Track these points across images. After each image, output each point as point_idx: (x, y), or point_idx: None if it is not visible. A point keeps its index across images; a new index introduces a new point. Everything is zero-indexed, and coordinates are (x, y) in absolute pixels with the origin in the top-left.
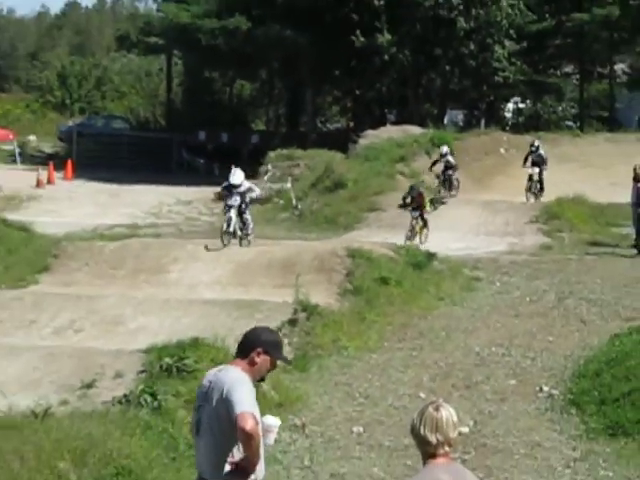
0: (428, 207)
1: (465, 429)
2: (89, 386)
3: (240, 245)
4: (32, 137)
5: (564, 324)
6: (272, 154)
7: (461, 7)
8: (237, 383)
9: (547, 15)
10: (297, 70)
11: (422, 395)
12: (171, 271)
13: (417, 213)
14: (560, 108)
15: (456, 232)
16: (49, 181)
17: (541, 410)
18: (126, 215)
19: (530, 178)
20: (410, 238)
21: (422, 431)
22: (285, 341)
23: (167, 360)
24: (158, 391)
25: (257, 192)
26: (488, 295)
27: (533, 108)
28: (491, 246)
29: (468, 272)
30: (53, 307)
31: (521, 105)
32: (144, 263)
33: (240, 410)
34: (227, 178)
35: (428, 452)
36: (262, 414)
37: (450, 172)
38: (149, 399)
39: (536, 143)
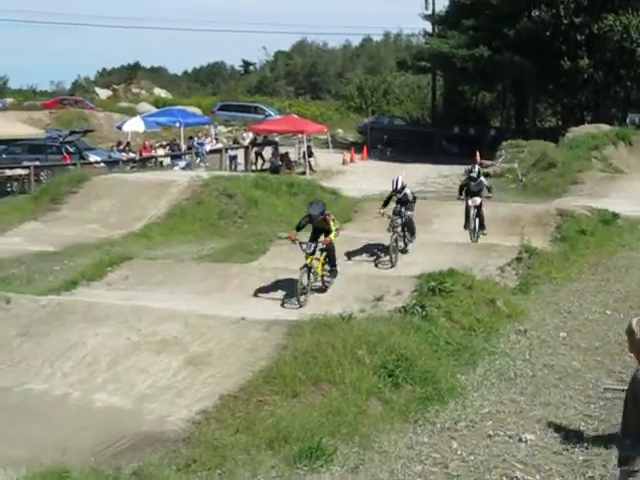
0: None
1: None
2: (378, 300)
3: None
4: (339, 130)
5: None
6: (505, 143)
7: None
8: None
9: None
10: (522, 84)
11: (608, 312)
12: (434, 223)
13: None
14: None
15: (633, 199)
16: (351, 160)
17: None
18: None
19: (467, 213)
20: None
21: None
22: (512, 272)
23: (432, 283)
24: (425, 304)
25: None
26: None
27: None
28: None
29: None
30: (356, 245)
31: None
32: (416, 217)
33: None
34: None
35: None
36: (495, 323)
37: (406, 212)
38: (419, 309)
39: (475, 168)
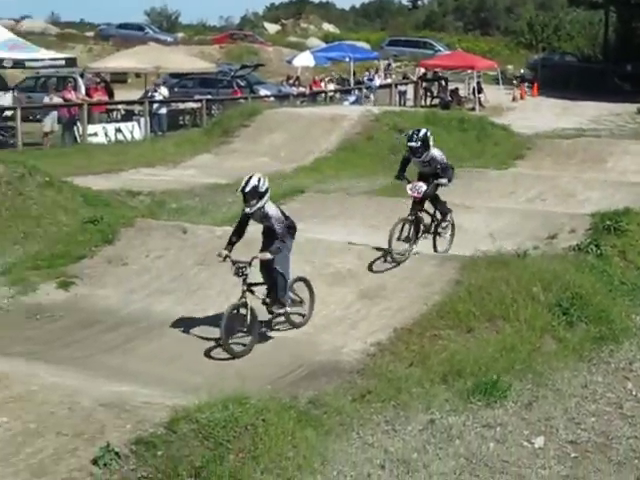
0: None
1: None
2: (552, 237)
3: None
4: (509, 66)
5: None
6: None
7: None
8: None
9: None
10: None
11: None
12: (607, 161)
13: None
14: None
15: None
16: (521, 97)
17: None
18: (574, 122)
19: (412, 216)
20: None
21: None
22: None
23: (607, 222)
24: (600, 243)
25: None
26: None
27: None
28: None
29: None
30: (526, 183)
31: None
32: (589, 155)
33: None
34: None
35: None
36: None
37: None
38: (594, 248)
39: (422, 132)
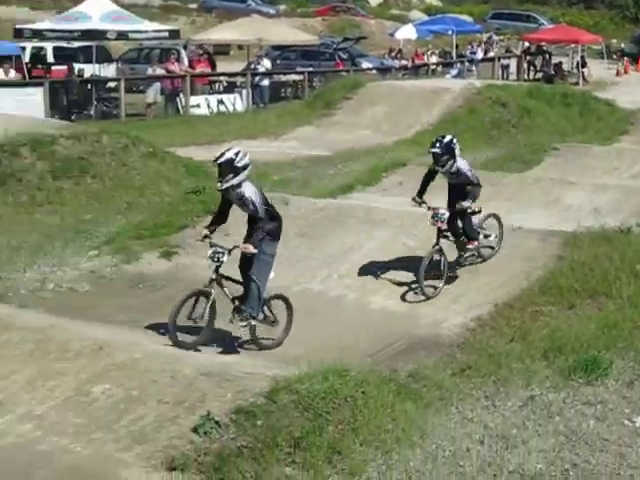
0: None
1: None
2: None
3: None
4: (614, 40)
5: None
6: None
7: None
8: None
9: None
10: None
11: None
12: None
13: None
14: None
15: None
16: (625, 71)
17: None
18: None
19: (439, 236)
20: None
21: None
22: None
23: None
24: None
25: None
26: None
27: None
28: None
29: None
30: (630, 159)
31: None
32: None
33: None
34: None
35: None
36: None
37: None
38: None
39: (447, 138)
